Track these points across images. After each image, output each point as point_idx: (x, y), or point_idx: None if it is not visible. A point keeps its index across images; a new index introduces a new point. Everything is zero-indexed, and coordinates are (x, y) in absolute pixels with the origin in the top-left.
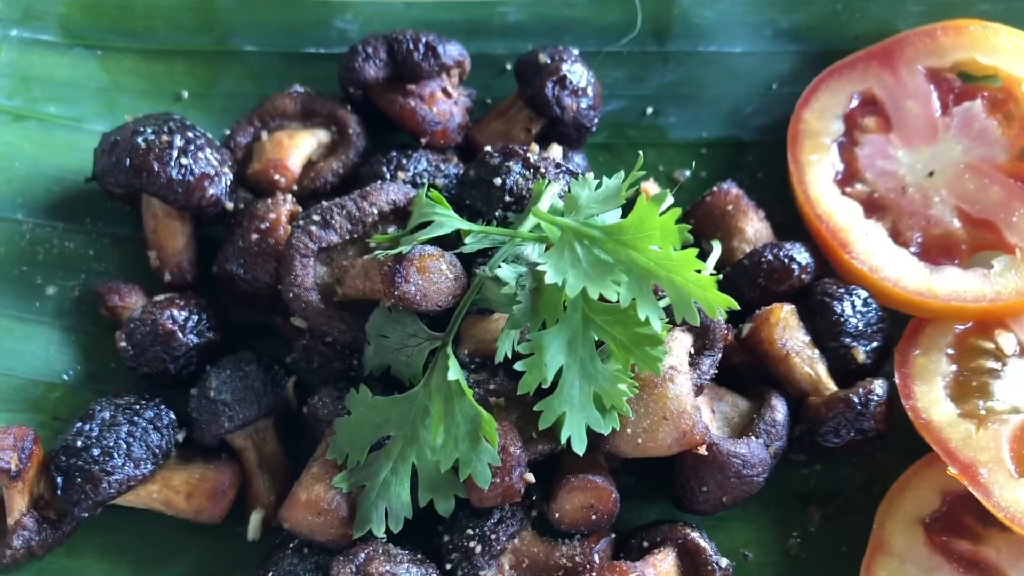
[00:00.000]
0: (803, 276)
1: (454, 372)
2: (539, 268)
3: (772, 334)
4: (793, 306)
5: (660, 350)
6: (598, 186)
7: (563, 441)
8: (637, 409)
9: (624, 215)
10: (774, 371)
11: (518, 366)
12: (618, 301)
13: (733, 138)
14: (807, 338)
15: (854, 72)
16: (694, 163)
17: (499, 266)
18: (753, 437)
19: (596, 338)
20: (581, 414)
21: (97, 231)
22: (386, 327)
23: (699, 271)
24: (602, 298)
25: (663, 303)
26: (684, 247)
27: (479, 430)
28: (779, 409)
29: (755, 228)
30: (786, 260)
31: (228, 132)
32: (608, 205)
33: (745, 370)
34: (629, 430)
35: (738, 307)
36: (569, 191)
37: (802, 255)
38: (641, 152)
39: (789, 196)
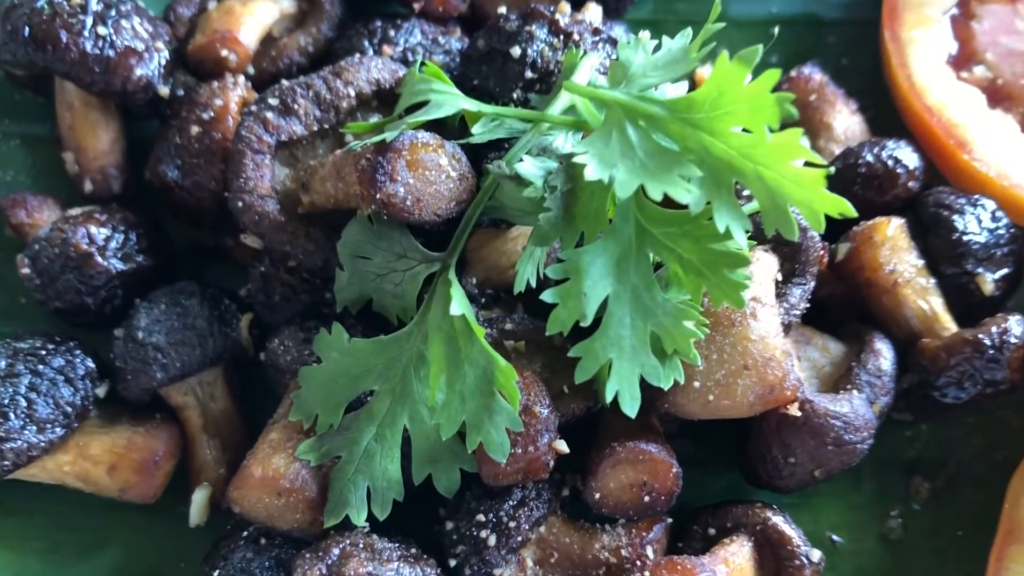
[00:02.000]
0: (911, 183)
1: (459, 304)
2: (576, 160)
3: (876, 257)
4: (903, 221)
5: (743, 274)
6: (657, 48)
7: (607, 399)
8: (708, 355)
9: (692, 88)
10: (876, 305)
11: (547, 296)
12: (686, 205)
13: (810, 15)
14: (920, 262)
15: None
16: (763, 46)
17: (520, 159)
18: (853, 390)
19: (653, 257)
20: (633, 361)
21: (3, 130)
22: (366, 245)
23: (808, 164)
24: (666, 202)
25: (747, 208)
26: (784, 128)
27: (493, 383)
28: (884, 354)
29: (846, 123)
30: (890, 162)
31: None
32: (671, 72)
33: (836, 304)
34: (697, 383)
35: (855, 213)
36: (616, 60)
37: (910, 156)
38: (718, 1)
39: (883, 86)
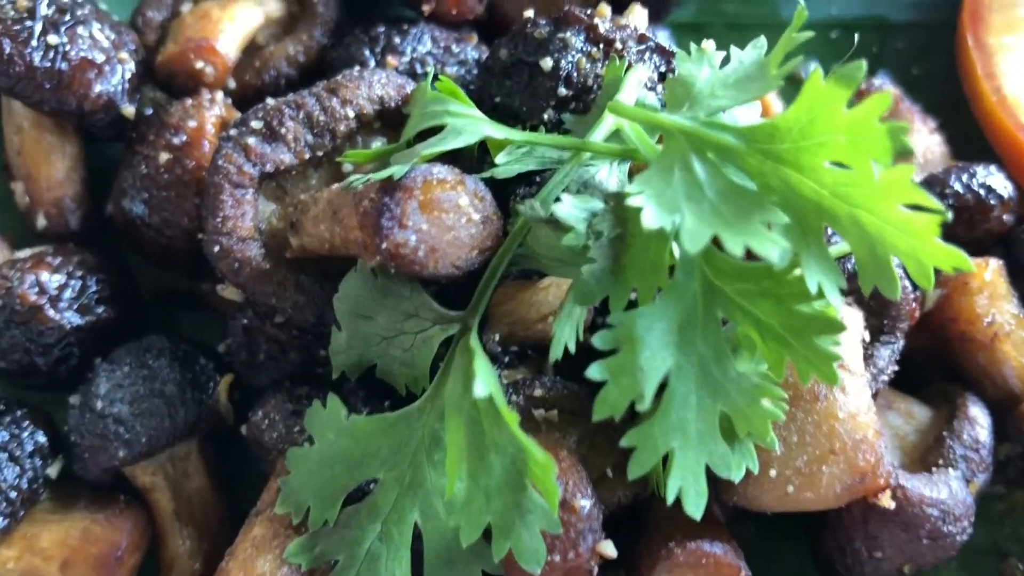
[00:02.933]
0: (1005, 216)
1: (484, 383)
2: (630, 202)
3: (973, 307)
4: (1002, 263)
5: (837, 342)
6: (725, 61)
7: (671, 496)
8: (787, 437)
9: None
10: (970, 362)
11: (594, 372)
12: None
13: (875, 17)
14: (1021, 311)
15: None
16: (821, 52)
17: (557, 199)
18: (948, 468)
19: (723, 320)
20: (699, 450)
21: None
22: (368, 302)
23: (919, 208)
24: (748, 255)
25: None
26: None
27: (525, 475)
28: (981, 422)
29: (925, 144)
30: (981, 191)
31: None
32: (746, 93)
33: (921, 359)
34: (774, 472)
35: (973, 267)
36: (672, 74)
37: (1003, 184)
38: (803, 2)
39: (961, 101)
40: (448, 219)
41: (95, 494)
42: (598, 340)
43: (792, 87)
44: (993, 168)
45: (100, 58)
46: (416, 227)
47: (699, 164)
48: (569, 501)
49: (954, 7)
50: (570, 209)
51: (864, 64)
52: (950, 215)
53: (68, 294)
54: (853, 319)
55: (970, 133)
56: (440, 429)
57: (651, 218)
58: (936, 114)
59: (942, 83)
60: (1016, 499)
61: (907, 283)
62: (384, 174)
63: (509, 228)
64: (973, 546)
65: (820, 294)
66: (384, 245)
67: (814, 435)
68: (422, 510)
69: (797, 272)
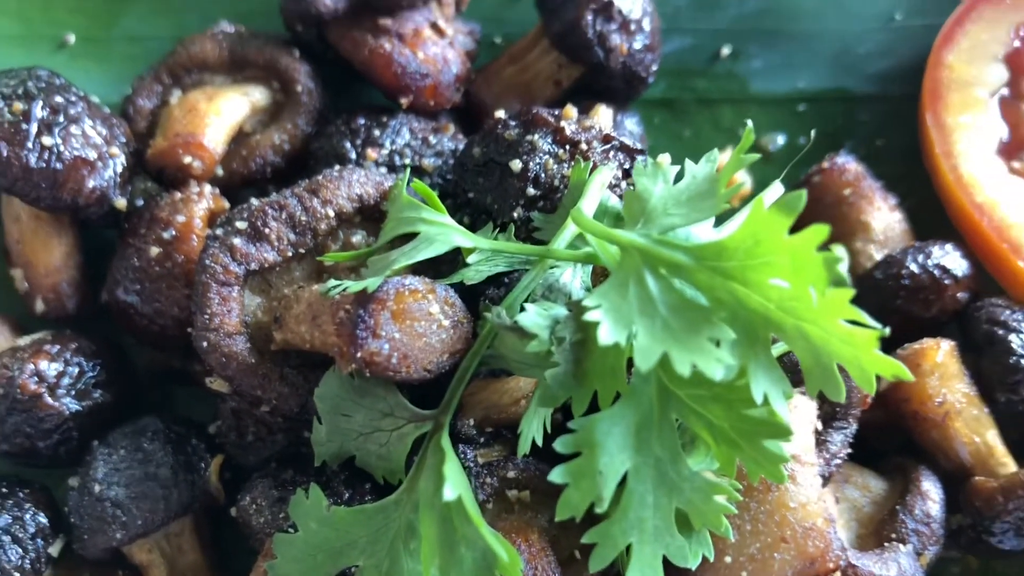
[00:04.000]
0: (959, 294)
1: (454, 484)
2: (588, 317)
3: (925, 387)
4: (953, 344)
5: (784, 443)
6: (679, 176)
7: None
8: (741, 525)
9: (718, 223)
10: (923, 438)
11: (556, 476)
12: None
13: (841, 90)
14: (972, 390)
15: None
16: (787, 125)
17: (522, 307)
18: (899, 543)
19: (678, 422)
20: (656, 544)
21: None
22: (346, 403)
23: (855, 322)
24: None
25: (776, 349)
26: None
27: (493, 568)
28: (933, 496)
29: (885, 222)
30: (936, 272)
31: (129, 93)
32: (698, 210)
33: (876, 432)
34: (728, 558)
35: (911, 377)
36: (627, 177)
37: (958, 263)
38: (750, 124)
39: (923, 173)
40: (419, 327)
41: (96, 569)
42: (559, 445)
43: (761, 163)
44: (949, 247)
45: (93, 155)
46: (389, 336)
47: (652, 279)
48: None
49: (917, 80)
50: (534, 318)
51: (804, 194)
52: (887, 331)
53: (66, 381)
54: (806, 408)
55: (932, 204)
56: (415, 520)
57: (607, 334)
58: (898, 185)
59: (905, 154)
60: (970, 562)
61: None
62: (359, 286)
63: (479, 329)
64: None
65: (766, 402)
66: (359, 354)
67: (766, 523)
68: None
69: (746, 380)
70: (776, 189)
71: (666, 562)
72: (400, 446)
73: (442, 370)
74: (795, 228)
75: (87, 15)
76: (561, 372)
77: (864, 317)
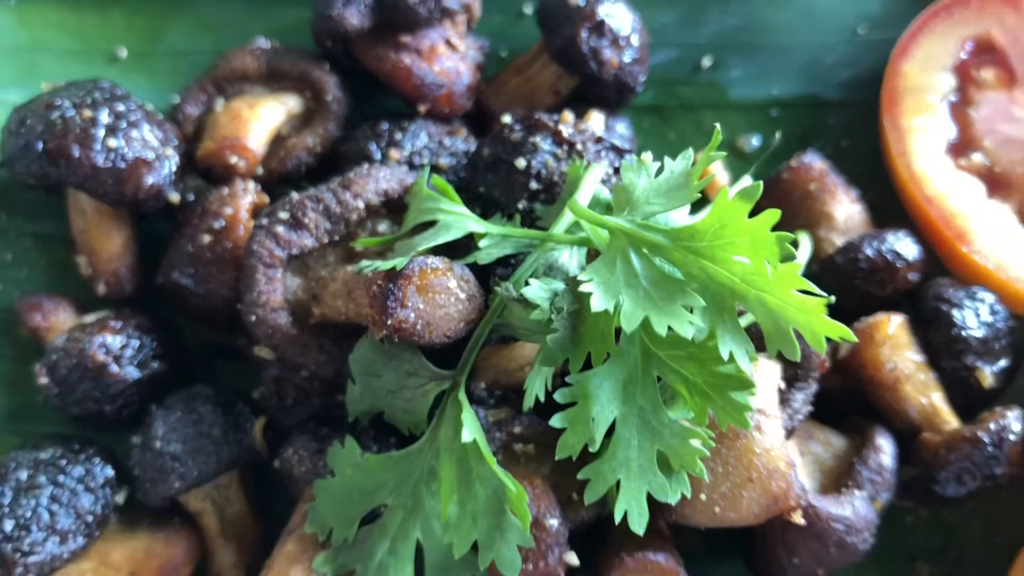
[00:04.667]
0: (911, 275)
1: (470, 430)
2: (582, 288)
3: (878, 355)
4: (903, 318)
5: (748, 395)
6: (659, 171)
7: (618, 516)
8: (714, 468)
9: (693, 210)
10: (878, 400)
11: (555, 421)
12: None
13: (811, 97)
14: (920, 358)
15: (967, 10)
16: (763, 128)
17: (527, 282)
18: (855, 489)
19: (659, 378)
20: (641, 481)
21: (16, 229)
22: (377, 365)
23: (805, 292)
24: (670, 329)
25: (744, 320)
26: (785, 260)
27: (504, 502)
28: (886, 450)
29: (846, 213)
30: (890, 256)
31: (176, 101)
32: (674, 199)
33: (837, 397)
34: (703, 496)
35: (854, 338)
36: (616, 172)
37: (909, 248)
38: (718, 126)
39: (882, 170)
40: (440, 299)
41: (155, 517)
42: (559, 396)
43: (739, 162)
44: (901, 234)
45: (150, 155)
46: (414, 307)
47: (636, 257)
48: (540, 521)
49: (877, 88)
50: (536, 291)
51: (760, 185)
52: (833, 299)
53: (128, 352)
54: (770, 370)
55: (889, 198)
56: (436, 464)
57: (598, 302)
58: (861, 180)
59: (866, 154)
60: (920, 513)
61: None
62: (389, 265)
63: (490, 302)
64: (888, 550)
65: (732, 359)
66: (389, 322)
67: (735, 466)
68: (423, 529)
69: (715, 342)
70: (744, 182)
71: (650, 498)
72: (423, 401)
73: (459, 336)
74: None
75: (137, 32)
76: (560, 337)
77: (813, 287)
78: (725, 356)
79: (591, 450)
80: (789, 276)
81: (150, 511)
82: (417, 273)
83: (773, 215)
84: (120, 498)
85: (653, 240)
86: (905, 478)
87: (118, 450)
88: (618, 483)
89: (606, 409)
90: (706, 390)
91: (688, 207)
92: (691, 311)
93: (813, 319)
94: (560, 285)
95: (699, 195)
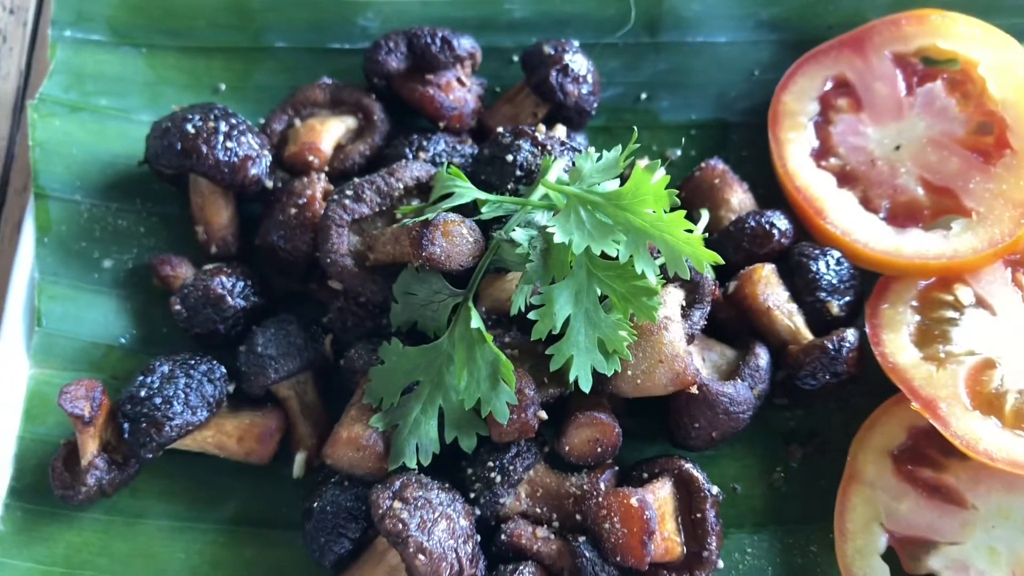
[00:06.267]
0: (783, 240)
1: (476, 322)
2: (548, 230)
3: (755, 290)
4: (773, 266)
5: (655, 300)
6: (599, 159)
7: (571, 381)
8: (636, 353)
9: (622, 184)
10: (757, 324)
11: (531, 315)
12: (617, 257)
13: (719, 120)
14: (786, 294)
15: (828, 58)
16: (684, 143)
17: (513, 230)
18: (739, 380)
19: (599, 291)
20: (587, 356)
21: (147, 210)
22: (413, 285)
23: (689, 231)
24: (604, 255)
25: (658, 261)
26: (673, 210)
27: (498, 373)
28: (762, 356)
29: (739, 199)
30: (767, 226)
31: (263, 120)
32: (608, 175)
33: (731, 323)
34: (629, 372)
35: (723, 262)
36: (573, 165)
37: (781, 221)
38: (636, 128)
39: (770, 171)
40: (456, 241)
41: (254, 402)
42: (534, 300)
43: (665, 167)
44: (778, 213)
45: (254, 154)
46: (440, 245)
47: (583, 211)
48: (522, 389)
49: (766, 113)
50: (520, 235)
51: (659, 164)
52: (706, 235)
53: (236, 290)
54: (676, 294)
55: (774, 190)
56: (452, 352)
57: (558, 238)
58: (754, 179)
59: (759, 160)
60: (796, 412)
61: (709, 275)
62: (422, 218)
63: (489, 245)
64: (770, 436)
65: (643, 276)
66: (423, 254)
67: (650, 352)
68: (444, 397)
69: (633, 265)
70: (650, 164)
71: (594, 372)
72: (444, 311)
73: (470, 266)
74: (685, 204)
75: (232, 72)
76: (535, 265)
77: (692, 225)
78: (639, 272)
79: (554, 332)
80: (678, 221)
81: (250, 399)
82: (442, 222)
83: (665, 179)
84: (231, 388)
85: (594, 200)
86: (778, 379)
87: (226, 362)
88: (571, 358)
89: (563, 309)
90: (627, 296)
91: (617, 180)
92: (618, 244)
93: (697, 250)
94: (535, 232)
95: (623, 172)
